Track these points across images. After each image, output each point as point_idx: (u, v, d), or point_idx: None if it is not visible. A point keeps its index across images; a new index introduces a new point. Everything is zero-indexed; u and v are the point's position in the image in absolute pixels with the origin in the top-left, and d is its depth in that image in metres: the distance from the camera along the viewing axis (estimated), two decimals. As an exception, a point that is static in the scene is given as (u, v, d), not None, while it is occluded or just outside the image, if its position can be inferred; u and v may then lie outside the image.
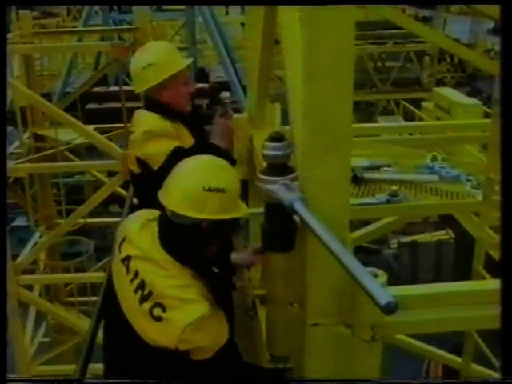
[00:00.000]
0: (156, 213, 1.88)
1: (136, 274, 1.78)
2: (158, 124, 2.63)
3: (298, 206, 1.52)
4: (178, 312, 1.67)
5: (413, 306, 1.58)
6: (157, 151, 2.57)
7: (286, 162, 1.67)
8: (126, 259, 1.82)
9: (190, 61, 2.87)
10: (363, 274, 1.33)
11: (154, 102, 2.71)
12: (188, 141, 2.71)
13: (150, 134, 2.60)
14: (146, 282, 1.74)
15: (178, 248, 1.75)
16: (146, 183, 2.49)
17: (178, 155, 2.43)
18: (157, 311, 1.69)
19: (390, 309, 1.25)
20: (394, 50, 13.44)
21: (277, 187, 1.63)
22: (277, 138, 1.66)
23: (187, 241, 1.74)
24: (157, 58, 2.65)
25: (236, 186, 1.78)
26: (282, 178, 1.64)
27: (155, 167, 2.56)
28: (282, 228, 1.64)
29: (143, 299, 1.73)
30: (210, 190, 1.70)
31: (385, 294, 1.26)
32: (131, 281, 1.78)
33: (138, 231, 1.85)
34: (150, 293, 1.72)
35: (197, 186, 1.71)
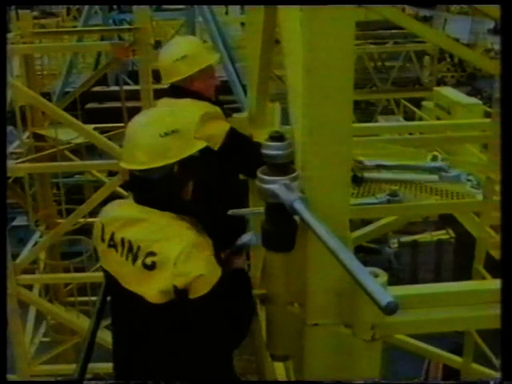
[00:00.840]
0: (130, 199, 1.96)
1: (122, 242, 1.84)
2: (211, 107, 2.83)
3: (298, 206, 1.52)
4: (166, 249, 1.74)
5: (413, 306, 1.58)
6: (217, 132, 2.75)
7: (286, 162, 1.67)
8: (111, 239, 1.88)
9: (218, 56, 3.03)
10: (363, 274, 1.33)
11: (186, 91, 2.85)
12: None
13: (208, 116, 2.75)
14: (132, 241, 1.81)
15: (154, 197, 1.82)
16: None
17: (235, 134, 2.79)
18: (149, 260, 1.76)
19: (390, 309, 1.25)
20: (394, 49, 13.47)
21: (277, 187, 1.63)
22: (277, 137, 1.66)
23: (163, 189, 1.81)
24: (190, 51, 2.83)
25: (187, 123, 1.89)
26: (282, 178, 1.63)
27: (216, 147, 2.72)
28: (283, 228, 1.64)
29: (135, 259, 1.79)
30: (166, 134, 1.78)
31: (385, 294, 1.26)
32: (121, 253, 1.85)
33: (114, 211, 1.95)
34: (139, 248, 1.79)
35: (153, 136, 1.79)
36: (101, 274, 2.14)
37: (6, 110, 5.17)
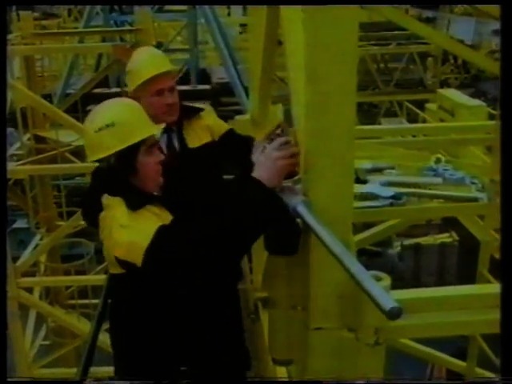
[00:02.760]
0: None
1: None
2: None
3: (301, 210, 1.52)
4: (103, 226, 1.91)
5: (416, 310, 1.57)
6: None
7: None
8: None
9: (163, 69, 2.60)
10: (366, 278, 1.33)
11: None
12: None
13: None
14: (100, 224, 1.97)
15: (105, 185, 1.96)
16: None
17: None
18: (103, 233, 1.92)
19: (393, 314, 1.25)
20: (397, 51, 13.45)
21: (280, 190, 1.63)
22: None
23: (108, 177, 1.95)
24: (131, 66, 2.64)
25: (126, 116, 1.91)
26: (285, 181, 1.63)
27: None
28: (285, 231, 1.63)
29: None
30: (100, 129, 1.88)
31: (389, 299, 1.26)
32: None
33: None
34: (101, 228, 1.96)
35: (89, 131, 1.92)
36: (102, 276, 2.18)
37: (7, 112, 5.17)
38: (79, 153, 6.90)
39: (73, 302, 6.71)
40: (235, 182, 1.73)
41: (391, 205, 3.02)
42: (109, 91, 9.73)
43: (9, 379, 1.77)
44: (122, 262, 1.81)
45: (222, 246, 1.64)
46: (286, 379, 2.38)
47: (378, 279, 1.52)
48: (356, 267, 1.35)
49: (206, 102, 8.64)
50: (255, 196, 1.59)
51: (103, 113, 1.93)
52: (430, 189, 3.28)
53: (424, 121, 7.45)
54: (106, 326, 3.05)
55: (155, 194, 1.99)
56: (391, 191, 3.05)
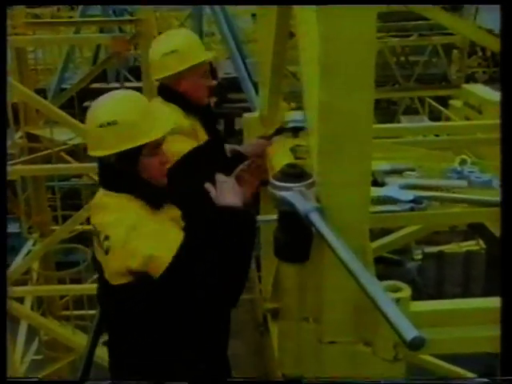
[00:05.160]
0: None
1: (95, 229, 1.98)
2: (179, 119, 2.72)
3: (315, 218, 1.52)
4: (114, 232, 1.85)
5: (439, 324, 1.58)
6: (172, 150, 2.56)
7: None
8: (93, 227, 2.01)
9: (212, 54, 3.01)
10: (386, 302, 1.32)
11: (170, 92, 2.78)
12: (202, 136, 2.80)
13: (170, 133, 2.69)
14: (97, 226, 1.94)
15: (105, 180, 1.99)
16: None
17: (193, 157, 2.65)
18: (106, 244, 1.87)
19: (416, 345, 1.25)
20: (418, 43, 13.38)
21: (291, 195, 1.63)
22: (292, 174, 1.69)
23: (111, 173, 1.96)
24: (180, 46, 2.75)
25: (131, 115, 1.91)
26: (297, 185, 1.64)
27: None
28: (296, 237, 1.64)
29: (100, 245, 1.91)
30: (101, 125, 1.89)
31: (411, 327, 1.26)
32: (97, 241, 1.97)
33: (94, 198, 2.10)
34: (99, 233, 1.91)
35: (92, 125, 1.92)
36: (99, 285, 2.17)
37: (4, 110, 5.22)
38: (75, 152, 6.95)
39: (67, 312, 6.74)
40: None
41: (411, 209, 3.01)
42: (107, 86, 9.82)
43: (9, 379, 1.82)
44: (133, 272, 1.83)
45: (236, 272, 1.88)
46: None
47: (397, 290, 1.52)
48: (375, 289, 1.35)
49: (213, 97, 8.68)
50: (233, 221, 1.89)
51: (107, 107, 1.94)
52: (453, 192, 3.27)
53: (448, 119, 7.43)
54: (103, 338, 3.07)
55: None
56: (411, 195, 3.04)
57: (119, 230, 1.84)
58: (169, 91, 2.78)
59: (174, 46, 2.75)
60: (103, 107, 1.95)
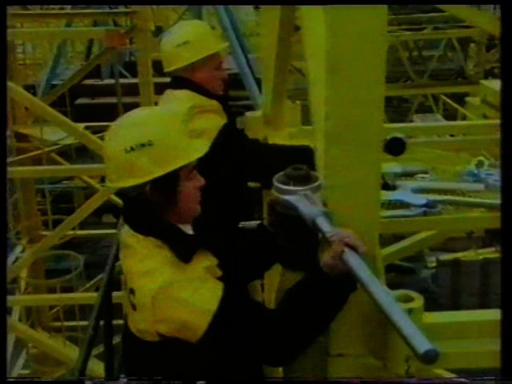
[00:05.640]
0: None
1: (122, 269, 1.84)
2: (201, 99, 2.83)
3: (322, 223, 1.52)
4: (142, 289, 1.68)
5: (454, 336, 1.58)
6: (209, 125, 2.75)
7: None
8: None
9: (226, 44, 3.09)
10: (397, 312, 1.33)
11: (186, 81, 2.86)
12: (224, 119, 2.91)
13: (198, 109, 2.77)
14: (123, 268, 1.80)
15: (133, 220, 1.79)
16: None
17: (232, 130, 2.80)
18: (131, 298, 1.72)
19: (429, 358, 1.25)
20: (432, 36, 13.38)
21: (296, 198, 1.63)
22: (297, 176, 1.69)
23: (140, 210, 1.76)
24: (193, 37, 2.83)
25: (169, 135, 1.73)
26: (303, 188, 1.64)
27: (208, 145, 2.62)
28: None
29: (128, 294, 1.76)
30: (132, 149, 1.69)
31: (423, 340, 1.26)
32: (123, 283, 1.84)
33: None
34: (125, 281, 1.77)
35: (119, 150, 1.70)
36: (92, 294, 2.17)
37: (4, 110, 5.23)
38: (67, 153, 6.96)
39: (58, 324, 6.73)
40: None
41: (424, 214, 3.01)
42: (101, 83, 9.83)
43: (9, 379, 1.79)
44: (163, 335, 1.67)
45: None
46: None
47: (409, 299, 1.52)
48: (384, 296, 1.35)
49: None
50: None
51: (136, 127, 1.74)
52: (470, 196, 3.27)
53: (464, 117, 7.43)
54: (96, 351, 3.07)
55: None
56: (424, 199, 3.04)
57: (147, 288, 1.66)
58: (184, 82, 2.86)
59: (187, 36, 2.83)
60: (131, 127, 1.75)
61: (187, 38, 2.82)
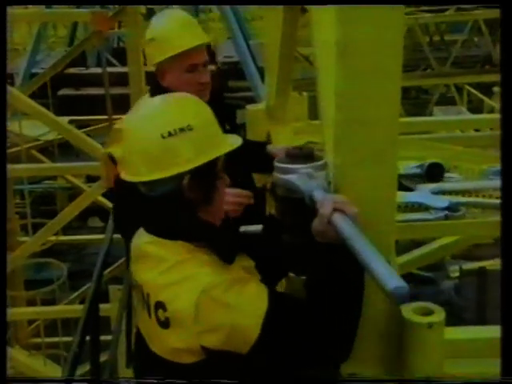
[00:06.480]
0: None
1: (136, 283, 1.79)
2: None
3: (318, 196, 1.54)
4: (177, 301, 1.62)
5: (479, 354, 1.58)
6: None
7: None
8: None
9: (201, 40, 2.71)
10: (371, 253, 1.36)
11: (156, 85, 2.72)
12: None
13: (120, 134, 2.50)
14: (142, 284, 1.74)
15: (159, 223, 1.74)
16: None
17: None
18: (161, 314, 1.65)
19: (398, 296, 1.28)
20: (456, 18, 13.34)
21: (297, 177, 1.65)
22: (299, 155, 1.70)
23: (171, 210, 1.71)
24: (159, 33, 2.68)
25: (206, 117, 1.73)
26: (304, 166, 1.66)
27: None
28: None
29: (148, 309, 1.71)
30: (170, 134, 1.65)
31: (395, 277, 1.30)
32: (139, 298, 1.79)
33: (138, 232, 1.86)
34: (148, 295, 1.71)
35: (153, 137, 1.66)
36: (76, 307, 2.16)
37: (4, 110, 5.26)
38: (48, 150, 6.97)
39: (38, 340, 6.73)
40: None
41: (446, 218, 3.01)
42: (87, 72, 9.85)
43: (9, 379, 1.78)
44: (208, 350, 1.61)
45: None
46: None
47: (429, 312, 1.53)
48: (362, 242, 1.39)
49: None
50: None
51: (170, 112, 1.73)
52: (497, 198, 3.27)
53: (491, 110, 7.43)
54: (81, 371, 3.08)
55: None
56: (446, 201, 3.04)
57: (186, 297, 1.60)
58: (154, 84, 2.74)
59: (153, 32, 2.70)
60: (164, 112, 1.73)
61: (153, 35, 2.68)
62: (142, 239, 1.77)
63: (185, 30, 2.69)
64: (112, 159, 2.60)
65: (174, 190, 1.67)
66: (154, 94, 2.62)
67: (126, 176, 1.74)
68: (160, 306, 1.65)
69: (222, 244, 1.70)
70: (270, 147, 2.66)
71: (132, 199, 1.81)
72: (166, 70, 2.65)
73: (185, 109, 1.74)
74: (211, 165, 1.68)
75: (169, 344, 1.65)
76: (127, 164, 1.74)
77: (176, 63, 2.64)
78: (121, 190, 2.35)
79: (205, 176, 1.68)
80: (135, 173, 1.70)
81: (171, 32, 2.67)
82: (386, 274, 1.31)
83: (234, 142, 1.75)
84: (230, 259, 1.68)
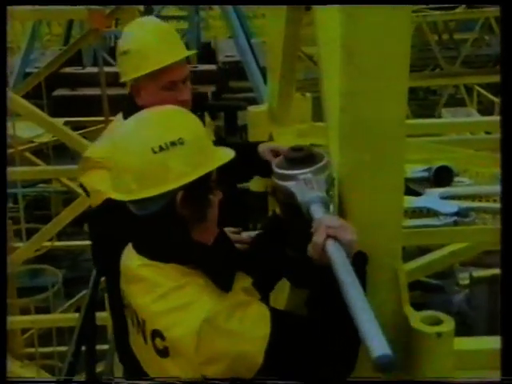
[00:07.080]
0: None
1: (129, 305, 1.77)
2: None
3: (315, 211, 1.53)
4: (176, 330, 1.61)
5: (490, 365, 1.57)
6: (95, 186, 2.40)
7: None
8: (124, 295, 1.81)
9: (181, 55, 2.54)
10: (363, 308, 1.32)
11: (130, 103, 2.54)
12: None
13: (90, 163, 2.47)
14: (136, 309, 1.72)
15: (153, 244, 1.72)
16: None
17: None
18: (159, 343, 1.64)
19: (381, 365, 1.25)
20: (466, 16, 13.33)
21: (294, 185, 1.64)
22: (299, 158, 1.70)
23: (163, 230, 1.69)
24: (134, 46, 2.49)
25: (197, 130, 1.70)
26: (301, 172, 1.65)
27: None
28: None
29: (144, 336, 1.70)
30: (162, 149, 1.62)
31: (382, 342, 1.25)
32: (132, 321, 1.77)
33: (126, 249, 1.84)
34: (144, 322, 1.69)
35: (144, 152, 1.62)
36: (71, 315, 2.17)
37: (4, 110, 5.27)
38: (43, 152, 6.97)
39: (31, 350, 6.73)
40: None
41: (455, 224, 3.01)
42: (83, 71, 9.87)
43: (8, 379, 1.78)
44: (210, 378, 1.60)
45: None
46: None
47: (438, 322, 1.52)
48: (355, 291, 1.35)
49: (211, 86, 8.70)
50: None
51: (160, 126, 1.69)
52: (508, 202, 3.27)
53: (501, 111, 7.40)
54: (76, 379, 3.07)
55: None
56: (455, 206, 3.04)
57: (187, 327, 1.59)
58: (129, 101, 2.57)
59: (128, 44, 2.50)
60: (154, 126, 1.70)
61: (127, 47, 2.49)
62: (135, 261, 1.74)
63: (163, 44, 2.50)
64: (84, 190, 2.51)
65: (166, 208, 1.65)
66: (129, 114, 2.22)
67: (115, 195, 1.70)
68: (157, 334, 1.64)
69: (218, 271, 1.67)
70: (261, 147, 2.47)
71: (119, 219, 1.77)
72: (142, 86, 2.49)
73: (175, 122, 1.71)
74: (205, 179, 1.66)
75: (168, 373, 1.65)
76: (116, 182, 1.69)
77: (153, 80, 2.47)
78: (106, 210, 2.27)
79: (198, 191, 1.66)
80: (126, 191, 1.66)
81: (148, 45, 2.48)
82: (372, 335, 1.27)
83: (226, 154, 1.72)
84: (227, 287, 1.66)
